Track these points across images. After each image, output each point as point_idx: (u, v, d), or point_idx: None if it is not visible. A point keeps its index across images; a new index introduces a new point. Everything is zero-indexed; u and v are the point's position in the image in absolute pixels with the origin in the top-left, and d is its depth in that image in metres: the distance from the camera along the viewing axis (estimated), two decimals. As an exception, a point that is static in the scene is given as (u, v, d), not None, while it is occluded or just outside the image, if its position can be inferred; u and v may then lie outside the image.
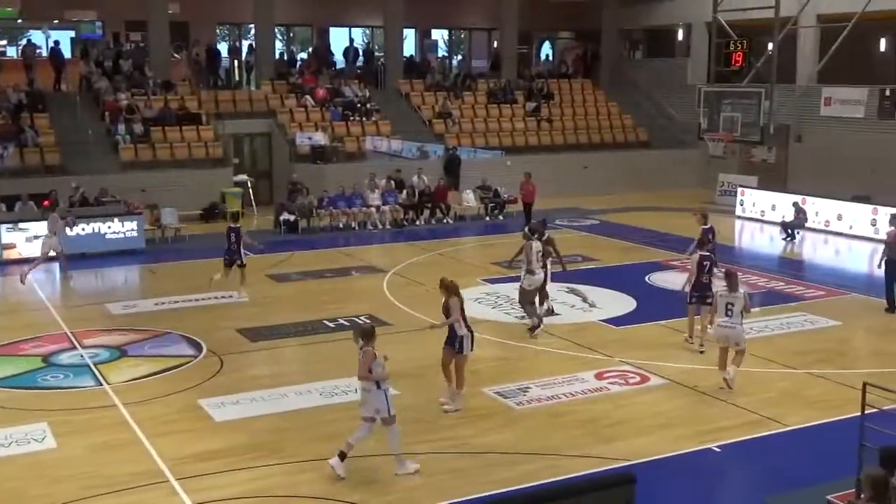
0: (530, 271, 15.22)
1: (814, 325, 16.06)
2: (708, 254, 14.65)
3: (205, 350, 14.55)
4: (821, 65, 29.31)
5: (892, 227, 17.24)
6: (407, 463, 10.14)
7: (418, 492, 9.72)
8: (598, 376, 13.13)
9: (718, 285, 12.71)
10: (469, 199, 27.93)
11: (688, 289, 14.60)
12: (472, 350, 12.01)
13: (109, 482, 9.88)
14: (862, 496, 6.99)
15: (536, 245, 15.35)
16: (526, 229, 16.60)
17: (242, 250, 17.76)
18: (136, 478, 9.99)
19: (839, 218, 24.94)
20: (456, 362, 12.01)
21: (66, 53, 32.29)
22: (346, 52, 35.86)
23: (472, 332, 12.00)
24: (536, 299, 15.68)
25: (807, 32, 30.04)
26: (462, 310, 11.88)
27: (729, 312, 12.53)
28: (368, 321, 15.01)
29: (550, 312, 16.20)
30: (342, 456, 9.96)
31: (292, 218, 25.03)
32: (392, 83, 33.81)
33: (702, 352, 14.28)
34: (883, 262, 17.18)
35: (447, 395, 12.15)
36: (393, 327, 15.88)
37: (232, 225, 18.14)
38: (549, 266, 15.90)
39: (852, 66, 29.61)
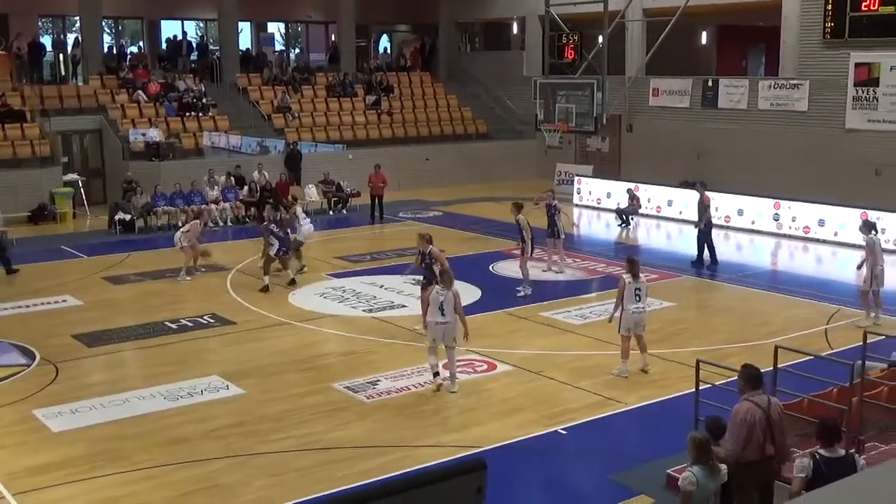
0: None
1: (649, 307, 16.65)
2: (556, 202, 19.22)
3: (38, 358, 13.88)
4: (648, 57, 30.42)
5: (703, 193, 19.88)
6: (457, 382, 12.34)
7: (268, 491, 9.57)
8: (447, 366, 13.24)
9: (623, 273, 13.18)
10: (311, 193, 27.69)
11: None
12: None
13: (-63, 503, 9.32)
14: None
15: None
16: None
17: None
18: (-34, 496, 9.47)
19: (669, 203, 26.02)
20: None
21: None
22: (177, 46, 34.85)
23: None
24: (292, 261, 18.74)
25: (634, 26, 31.15)
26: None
27: (638, 298, 12.94)
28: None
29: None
30: (435, 374, 12.34)
31: (128, 217, 24.19)
32: (229, 77, 33.12)
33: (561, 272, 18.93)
34: (703, 224, 19.74)
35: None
36: (237, 325, 15.61)
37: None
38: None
39: (677, 58, 30.93)
